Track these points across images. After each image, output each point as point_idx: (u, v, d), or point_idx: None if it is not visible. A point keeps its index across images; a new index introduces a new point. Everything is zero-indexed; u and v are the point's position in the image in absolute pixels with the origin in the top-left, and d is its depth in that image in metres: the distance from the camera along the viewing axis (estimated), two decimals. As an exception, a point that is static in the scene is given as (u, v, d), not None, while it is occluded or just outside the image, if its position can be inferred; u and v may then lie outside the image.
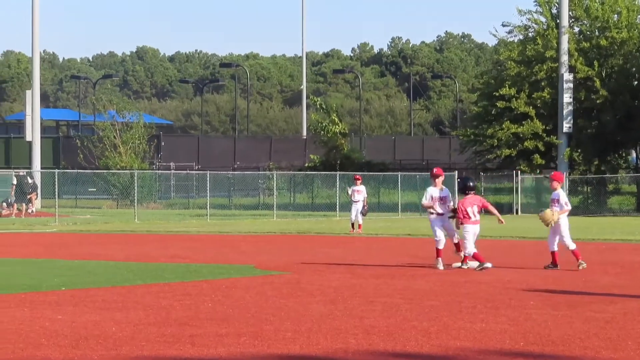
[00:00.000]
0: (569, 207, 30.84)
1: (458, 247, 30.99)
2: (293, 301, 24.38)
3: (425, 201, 31.27)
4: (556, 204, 30.44)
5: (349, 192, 58.10)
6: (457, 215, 30.54)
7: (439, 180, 31.39)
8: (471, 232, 30.39)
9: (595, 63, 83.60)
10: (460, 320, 20.65)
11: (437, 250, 30.43)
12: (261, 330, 19.12)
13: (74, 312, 21.82)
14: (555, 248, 29.87)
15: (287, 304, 23.75)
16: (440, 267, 30.15)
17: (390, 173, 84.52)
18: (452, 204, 31.32)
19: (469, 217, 30.62)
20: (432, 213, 30.88)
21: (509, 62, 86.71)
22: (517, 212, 76.43)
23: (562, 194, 31.06)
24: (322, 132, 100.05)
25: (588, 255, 31.28)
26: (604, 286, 26.82)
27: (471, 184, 32.17)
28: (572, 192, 79.47)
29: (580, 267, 29.30)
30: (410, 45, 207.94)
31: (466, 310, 22.45)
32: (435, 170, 34.65)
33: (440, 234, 30.45)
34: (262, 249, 41.59)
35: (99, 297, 24.87)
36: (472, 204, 30.54)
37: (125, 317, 21.05)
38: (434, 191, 31.04)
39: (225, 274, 30.85)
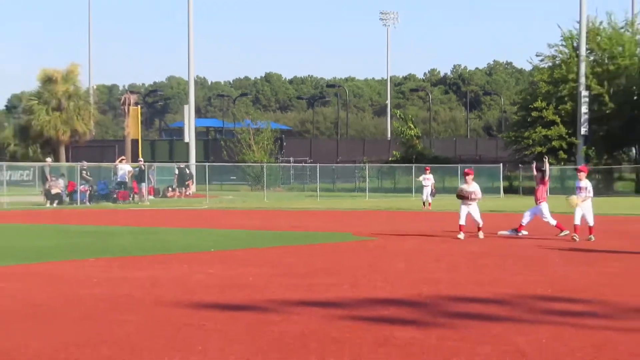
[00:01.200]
0: (592, 195, 30.45)
1: (480, 228, 30.69)
2: (380, 259, 24.43)
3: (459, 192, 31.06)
4: (582, 191, 30.10)
5: (421, 179, 58.35)
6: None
7: (469, 178, 31.09)
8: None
9: (605, 83, 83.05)
10: (504, 273, 20.69)
11: (460, 226, 30.13)
12: (358, 281, 19.20)
13: (221, 267, 21.98)
14: (578, 222, 29.49)
15: (376, 262, 23.80)
16: (462, 237, 29.80)
17: (451, 165, 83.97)
18: (479, 195, 31.01)
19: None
20: (463, 198, 30.47)
21: (541, 82, 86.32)
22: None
23: (588, 183, 30.63)
24: (402, 135, 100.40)
25: (600, 225, 31.12)
26: (612, 247, 26.70)
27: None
28: (587, 179, 78.82)
29: (590, 240, 29.02)
30: (467, 70, 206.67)
31: (509, 266, 22.44)
32: (466, 170, 34.71)
33: (463, 215, 30.10)
34: (357, 221, 41.56)
35: (240, 256, 25.03)
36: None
37: (260, 271, 21.17)
38: (464, 186, 30.81)
39: (331, 239, 30.85)
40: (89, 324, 13.74)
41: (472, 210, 30.52)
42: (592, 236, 29.24)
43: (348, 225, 37.94)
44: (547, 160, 34.91)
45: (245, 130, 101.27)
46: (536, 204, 30.96)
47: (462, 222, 30.23)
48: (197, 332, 12.98)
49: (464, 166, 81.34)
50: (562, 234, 30.55)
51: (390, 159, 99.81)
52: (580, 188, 30.20)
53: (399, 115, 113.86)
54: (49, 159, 78.79)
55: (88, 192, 61.89)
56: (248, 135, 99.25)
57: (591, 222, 29.66)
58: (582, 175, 30.91)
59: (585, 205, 29.70)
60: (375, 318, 14.18)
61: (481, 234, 30.47)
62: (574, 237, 28.90)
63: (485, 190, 72.09)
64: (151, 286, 18.09)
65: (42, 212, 51.41)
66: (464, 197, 30.60)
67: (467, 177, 31.30)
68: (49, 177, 61.39)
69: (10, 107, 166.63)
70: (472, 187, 30.69)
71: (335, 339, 12.42)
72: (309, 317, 14.25)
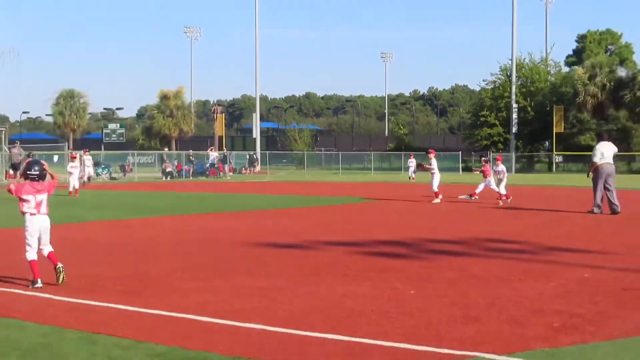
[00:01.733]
0: (506, 174, 29.82)
1: (436, 194, 29.48)
2: (381, 215, 24.35)
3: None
4: (500, 174, 29.49)
5: (408, 163, 58.11)
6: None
7: (430, 156, 30.01)
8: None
9: (528, 99, 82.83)
10: (463, 224, 20.60)
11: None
12: (366, 228, 19.19)
13: (276, 220, 21.98)
14: (502, 191, 28.98)
15: (378, 216, 23.74)
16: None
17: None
18: (435, 169, 29.70)
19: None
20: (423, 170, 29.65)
21: (486, 98, 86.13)
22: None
23: (504, 167, 29.66)
24: (395, 133, 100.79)
25: (526, 192, 30.72)
26: (532, 207, 26.45)
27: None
28: (517, 162, 79.19)
29: (508, 202, 28.53)
30: (438, 90, 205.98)
31: (466, 219, 22.34)
32: (429, 150, 33.84)
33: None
34: (365, 189, 41.49)
35: (290, 213, 24.99)
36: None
37: (301, 222, 21.18)
38: (425, 162, 30.25)
39: (348, 202, 30.70)
40: (188, 256, 13.81)
41: (433, 179, 29.85)
42: (504, 200, 28.53)
43: (359, 192, 37.92)
44: (487, 156, 34.58)
45: (292, 130, 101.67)
46: (484, 178, 30.70)
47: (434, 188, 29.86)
48: (260, 261, 12.99)
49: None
50: (507, 201, 30.39)
51: (387, 149, 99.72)
52: (498, 172, 29.68)
53: (393, 120, 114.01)
54: (165, 149, 79.17)
55: (190, 170, 62.42)
56: (294, 133, 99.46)
57: (503, 192, 28.92)
58: (498, 162, 30.39)
59: (503, 182, 29.18)
60: (378, 253, 14.17)
61: (436, 200, 29.15)
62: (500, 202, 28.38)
63: (449, 170, 72.55)
64: (229, 232, 18.13)
65: (159, 183, 51.58)
66: (424, 169, 30.05)
67: (429, 155, 30.83)
68: (166, 160, 62.08)
69: (139, 115, 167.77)
70: (432, 163, 30.20)
71: (352, 266, 12.44)
72: (333, 252, 14.26)
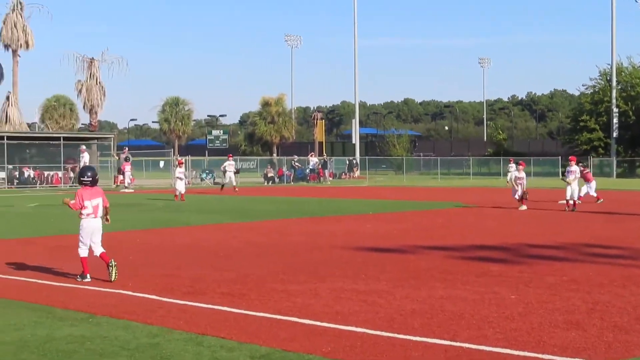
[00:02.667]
0: (578, 176, 28.69)
1: (522, 201, 28.45)
2: (479, 219, 24.06)
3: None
4: (572, 174, 28.34)
5: (509, 167, 57.16)
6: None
7: (520, 167, 28.93)
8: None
9: (629, 103, 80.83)
10: (561, 229, 20.24)
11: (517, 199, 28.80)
12: (464, 233, 18.99)
13: (376, 224, 21.87)
14: (575, 197, 27.44)
15: (476, 221, 23.46)
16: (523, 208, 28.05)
17: (526, 157, 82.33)
18: (524, 180, 28.80)
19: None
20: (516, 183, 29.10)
21: (585, 103, 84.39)
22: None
23: (577, 168, 28.48)
24: (494, 138, 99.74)
25: (627, 198, 30.08)
26: (633, 211, 25.88)
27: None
28: (618, 166, 77.72)
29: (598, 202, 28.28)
30: (537, 95, 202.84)
31: (563, 224, 21.93)
32: (520, 161, 32.44)
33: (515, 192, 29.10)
34: (464, 194, 41.01)
35: (389, 218, 24.86)
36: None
37: (400, 226, 21.03)
38: (516, 173, 29.17)
39: (446, 206, 30.33)
40: (290, 260, 13.89)
41: (518, 187, 29.00)
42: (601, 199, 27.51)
43: (458, 197, 37.59)
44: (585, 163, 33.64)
45: (391, 135, 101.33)
46: (587, 183, 29.90)
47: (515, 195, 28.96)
48: (360, 265, 12.99)
49: (535, 158, 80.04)
50: (598, 201, 29.73)
51: (485, 154, 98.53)
52: (570, 172, 28.53)
53: (492, 125, 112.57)
54: (274, 155, 79.89)
55: (291, 175, 62.99)
56: (393, 138, 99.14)
57: (576, 196, 27.88)
58: (572, 163, 29.28)
59: (574, 184, 28.04)
60: (477, 257, 14.02)
61: (523, 207, 28.18)
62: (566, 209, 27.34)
63: (548, 174, 71.27)
64: (329, 236, 18.18)
65: (261, 188, 52.10)
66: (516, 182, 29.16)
67: (519, 167, 30.03)
68: (268, 166, 62.88)
69: (242, 121, 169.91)
70: (521, 174, 29.45)
71: (451, 270, 12.34)
72: (433, 256, 14.17)
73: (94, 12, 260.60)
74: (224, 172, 43.35)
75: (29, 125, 75.92)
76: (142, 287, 10.66)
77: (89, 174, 11.60)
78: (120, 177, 47.63)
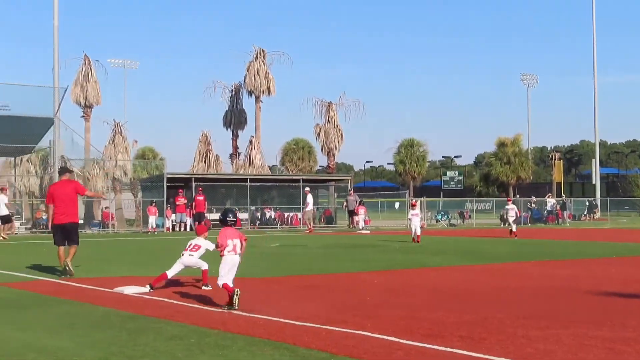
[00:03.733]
0: None
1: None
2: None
3: None
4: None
5: None
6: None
7: None
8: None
9: None
10: None
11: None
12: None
13: (619, 268, 20.95)
14: None
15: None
16: None
17: None
18: None
19: None
20: None
21: None
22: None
23: None
24: None
25: None
26: None
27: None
28: None
29: None
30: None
31: None
32: None
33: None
34: None
35: (635, 261, 23.75)
36: None
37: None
38: None
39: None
40: (530, 303, 13.61)
41: None
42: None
43: None
44: None
45: (635, 175, 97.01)
46: None
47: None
48: (604, 310, 12.48)
49: None
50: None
51: None
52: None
53: None
54: (510, 198, 78.58)
55: (528, 216, 62.09)
56: (636, 178, 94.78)
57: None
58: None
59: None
60: None
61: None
62: None
63: None
64: (571, 279, 17.67)
65: (497, 230, 51.19)
66: None
67: None
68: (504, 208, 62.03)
69: (476, 162, 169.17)
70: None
71: None
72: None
73: (332, 57, 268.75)
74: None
75: (270, 168, 79.43)
76: (380, 328, 10.77)
77: (231, 215, 12.85)
78: (356, 218, 48.94)
